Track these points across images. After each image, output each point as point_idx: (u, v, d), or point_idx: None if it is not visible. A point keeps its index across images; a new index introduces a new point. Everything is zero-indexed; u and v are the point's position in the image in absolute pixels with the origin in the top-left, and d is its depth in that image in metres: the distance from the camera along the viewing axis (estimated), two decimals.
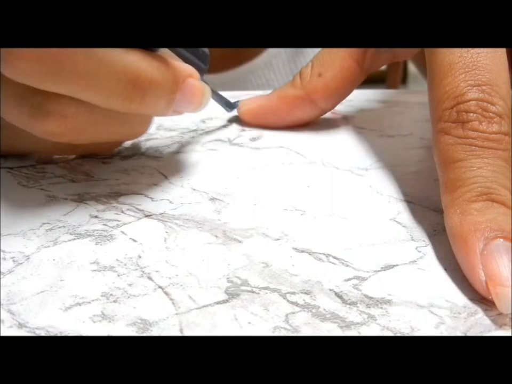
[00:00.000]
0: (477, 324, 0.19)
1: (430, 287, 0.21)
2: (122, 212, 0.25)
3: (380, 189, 0.27)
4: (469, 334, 0.19)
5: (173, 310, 0.20)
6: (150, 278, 0.21)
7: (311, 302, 0.20)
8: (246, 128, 0.33)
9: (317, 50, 0.32)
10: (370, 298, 0.20)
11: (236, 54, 0.53)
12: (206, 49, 0.26)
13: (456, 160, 0.22)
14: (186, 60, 0.25)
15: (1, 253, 0.22)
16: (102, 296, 0.20)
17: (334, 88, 0.31)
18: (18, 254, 0.22)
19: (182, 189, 0.27)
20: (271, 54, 0.53)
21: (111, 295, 0.20)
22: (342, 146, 0.31)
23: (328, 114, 0.34)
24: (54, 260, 0.22)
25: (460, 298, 0.20)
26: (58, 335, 0.19)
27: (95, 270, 0.22)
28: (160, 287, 0.21)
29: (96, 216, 0.25)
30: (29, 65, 0.20)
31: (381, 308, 0.20)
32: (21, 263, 0.22)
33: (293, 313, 0.20)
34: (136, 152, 0.30)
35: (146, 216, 0.25)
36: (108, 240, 0.23)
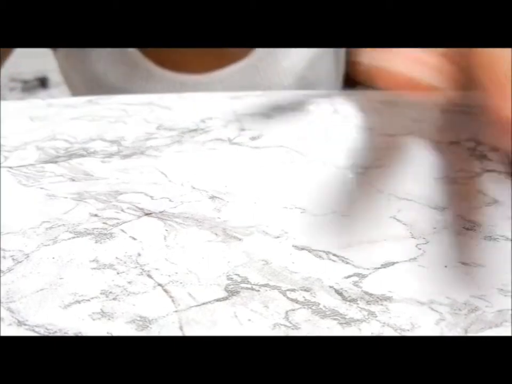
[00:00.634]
0: (478, 321, 0.19)
1: (430, 284, 0.21)
2: (122, 210, 0.25)
3: (380, 187, 0.27)
4: (469, 331, 0.19)
5: (172, 307, 0.20)
6: (149, 276, 0.21)
7: (311, 299, 0.20)
8: (246, 128, 0.33)
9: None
10: (371, 295, 0.20)
11: (222, 55, 0.53)
12: None
13: None
14: None
15: (1, 251, 0.22)
16: (101, 293, 0.20)
17: None
18: (18, 253, 0.22)
19: (182, 188, 0.27)
20: (258, 57, 0.53)
21: (110, 292, 0.20)
22: (342, 145, 0.31)
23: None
24: (53, 258, 0.22)
25: (460, 295, 0.20)
26: (58, 332, 0.19)
27: (94, 268, 0.21)
28: (159, 284, 0.21)
29: (96, 215, 0.25)
30: None
31: (381, 304, 0.20)
32: (20, 262, 0.22)
33: (293, 310, 0.20)
34: (136, 152, 0.30)
35: (146, 214, 0.25)
36: (108, 238, 0.23)
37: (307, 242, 0.23)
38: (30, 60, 1.27)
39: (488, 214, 0.25)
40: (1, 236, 0.23)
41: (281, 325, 0.19)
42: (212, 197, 0.26)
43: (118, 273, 0.21)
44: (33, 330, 0.19)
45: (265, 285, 0.21)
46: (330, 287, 0.21)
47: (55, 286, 0.21)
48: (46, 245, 0.23)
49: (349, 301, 0.20)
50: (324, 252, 0.22)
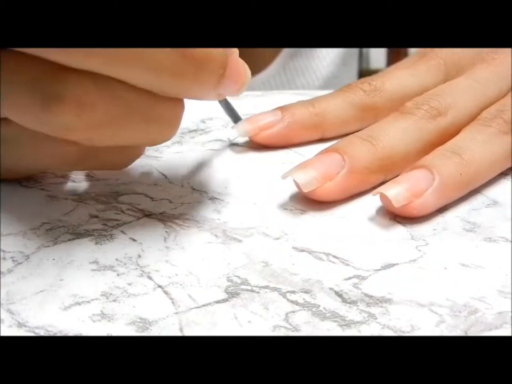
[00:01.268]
0: (478, 322, 0.19)
1: (430, 285, 0.21)
2: (122, 211, 0.25)
3: (380, 188, 0.27)
4: (469, 332, 0.19)
5: (172, 309, 0.20)
6: (149, 277, 0.21)
7: (311, 300, 0.20)
8: None
9: None
10: (371, 297, 0.20)
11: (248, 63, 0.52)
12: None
13: None
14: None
15: (1, 252, 0.22)
16: (101, 295, 0.20)
17: None
18: (18, 254, 0.22)
19: (182, 189, 0.27)
20: (284, 61, 0.52)
21: (110, 294, 0.20)
22: None
23: None
24: (53, 259, 0.22)
25: (460, 297, 0.20)
26: (58, 334, 0.19)
27: (94, 270, 0.22)
28: (159, 286, 0.21)
29: (96, 216, 0.25)
30: None
31: (381, 306, 0.20)
32: (20, 263, 0.22)
33: (293, 312, 0.20)
34: None
35: (146, 215, 0.25)
36: (108, 239, 0.23)
37: (307, 243, 0.23)
38: None
39: (488, 215, 0.25)
40: (1, 237, 0.23)
41: (281, 326, 0.19)
42: (212, 198, 0.26)
43: (118, 275, 0.21)
44: (34, 332, 0.19)
45: (265, 287, 0.21)
46: (330, 288, 0.21)
47: (55, 288, 0.21)
48: (46, 246, 0.23)
49: (349, 302, 0.20)
50: (324, 253, 0.22)
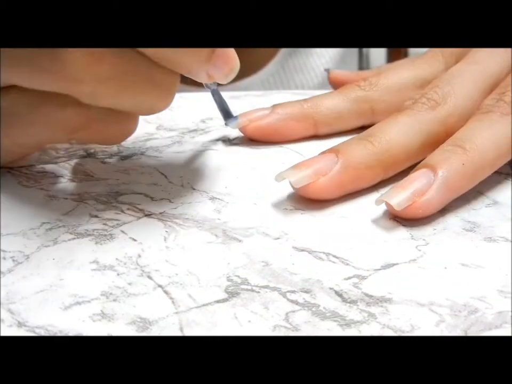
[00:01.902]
0: (477, 322, 0.19)
1: (430, 285, 0.21)
2: (122, 211, 0.25)
3: (380, 188, 0.27)
4: (469, 332, 0.19)
5: (172, 308, 0.20)
6: (149, 277, 0.21)
7: (311, 300, 0.20)
8: None
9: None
10: (371, 296, 0.20)
11: (245, 63, 0.52)
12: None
13: None
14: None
15: (1, 252, 0.22)
16: (101, 295, 0.20)
17: None
18: (18, 254, 0.22)
19: (182, 189, 0.27)
20: (282, 60, 0.52)
21: (110, 294, 0.20)
22: None
23: None
24: (53, 259, 0.22)
25: (460, 297, 0.20)
26: (58, 334, 0.19)
27: (94, 269, 0.22)
28: (160, 286, 0.21)
29: (96, 216, 0.25)
30: None
31: (381, 306, 0.20)
32: (20, 263, 0.22)
33: (293, 311, 0.20)
34: (136, 152, 0.30)
35: (146, 215, 0.25)
36: (108, 239, 0.23)
37: (307, 243, 0.23)
38: None
39: (488, 215, 0.25)
40: (1, 237, 0.23)
41: (281, 326, 0.19)
42: (212, 198, 0.26)
43: (118, 275, 0.21)
44: (34, 332, 0.19)
45: (265, 287, 0.21)
46: (331, 288, 0.21)
47: (55, 287, 0.21)
48: (46, 246, 0.23)
49: (349, 302, 0.20)
50: (323, 253, 0.22)
